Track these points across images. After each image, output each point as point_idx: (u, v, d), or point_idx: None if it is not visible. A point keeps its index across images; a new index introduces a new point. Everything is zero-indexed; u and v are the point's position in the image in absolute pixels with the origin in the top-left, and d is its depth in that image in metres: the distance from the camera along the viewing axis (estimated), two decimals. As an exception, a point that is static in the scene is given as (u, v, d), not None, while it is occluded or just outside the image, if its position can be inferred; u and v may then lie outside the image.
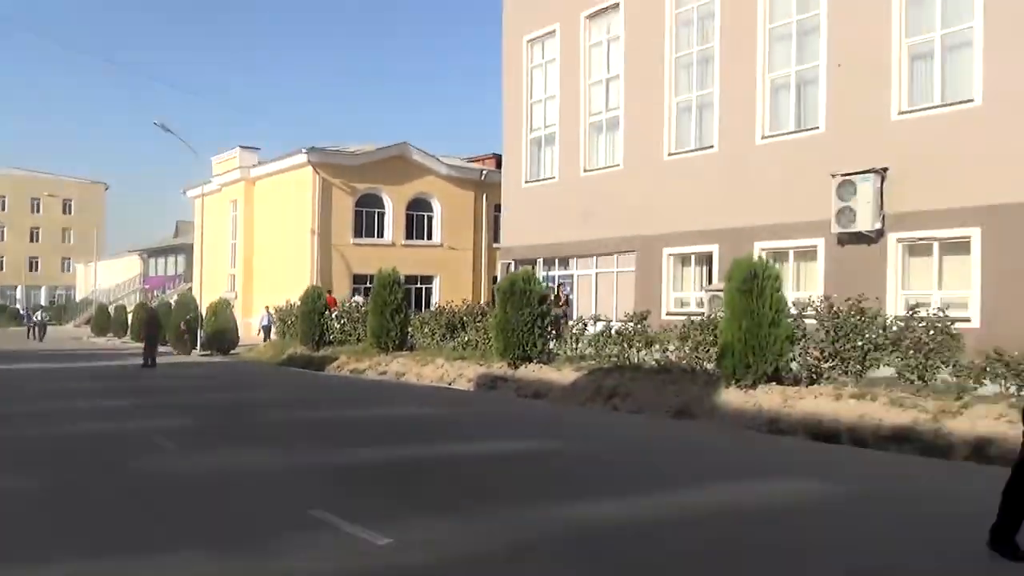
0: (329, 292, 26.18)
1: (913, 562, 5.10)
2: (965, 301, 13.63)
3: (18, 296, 77.56)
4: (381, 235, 33.38)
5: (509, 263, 23.24)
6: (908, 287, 14.55)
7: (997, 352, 9.46)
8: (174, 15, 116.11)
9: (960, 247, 13.82)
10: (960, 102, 13.90)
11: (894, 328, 10.65)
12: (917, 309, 10.75)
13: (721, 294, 12.99)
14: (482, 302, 25.73)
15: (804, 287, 15.90)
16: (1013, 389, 9.37)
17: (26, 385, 16.97)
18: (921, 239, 14.32)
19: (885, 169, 14.59)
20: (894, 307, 13.69)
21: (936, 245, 14.18)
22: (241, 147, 36.39)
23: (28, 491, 6.88)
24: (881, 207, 14.60)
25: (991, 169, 13.19)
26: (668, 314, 17.84)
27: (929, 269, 14.39)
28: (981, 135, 13.42)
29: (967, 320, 13.36)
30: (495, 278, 28.13)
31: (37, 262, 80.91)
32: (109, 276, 62.60)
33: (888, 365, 10.57)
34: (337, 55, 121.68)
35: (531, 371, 15.06)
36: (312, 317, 23.20)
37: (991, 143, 13.25)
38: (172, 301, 34.00)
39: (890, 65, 14.71)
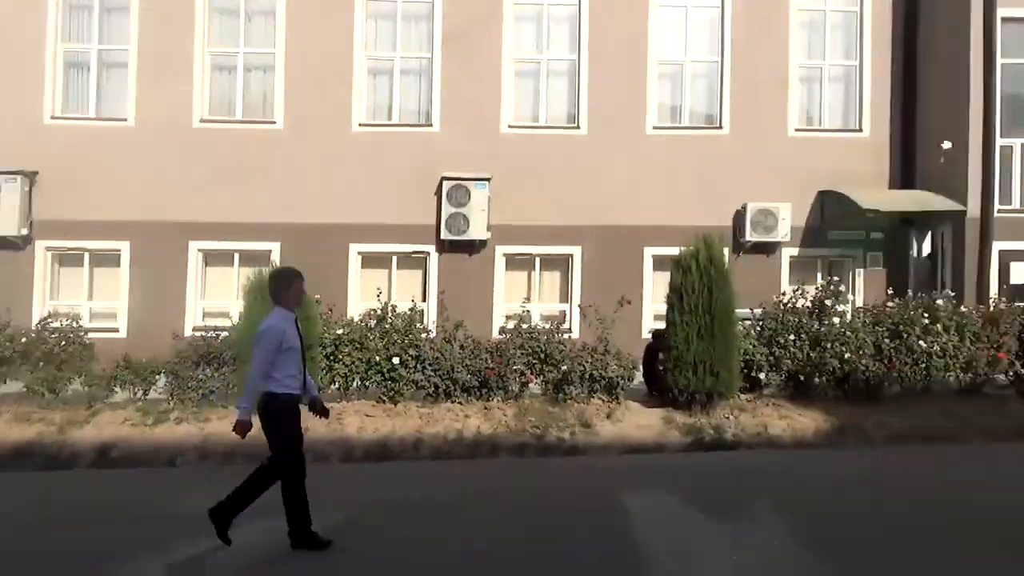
0: None
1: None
2: (115, 312, 14.06)
3: None
4: None
5: None
6: (58, 297, 14.15)
7: (126, 360, 9.97)
8: None
9: (112, 259, 14.16)
10: (114, 119, 14.29)
11: (24, 340, 10.12)
12: (49, 320, 10.48)
13: None
14: None
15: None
16: (140, 392, 10.03)
17: None
18: (72, 249, 14.10)
19: (35, 173, 13.88)
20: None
21: (87, 256, 14.19)
22: None
23: None
24: (30, 213, 13.81)
25: (140, 185, 13.94)
26: None
27: (82, 280, 14.29)
28: (131, 153, 14.03)
29: (116, 330, 13.84)
30: None
31: None
32: None
33: (17, 379, 9.97)
34: None
35: None
36: None
37: (140, 164, 14.00)
38: None
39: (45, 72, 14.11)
